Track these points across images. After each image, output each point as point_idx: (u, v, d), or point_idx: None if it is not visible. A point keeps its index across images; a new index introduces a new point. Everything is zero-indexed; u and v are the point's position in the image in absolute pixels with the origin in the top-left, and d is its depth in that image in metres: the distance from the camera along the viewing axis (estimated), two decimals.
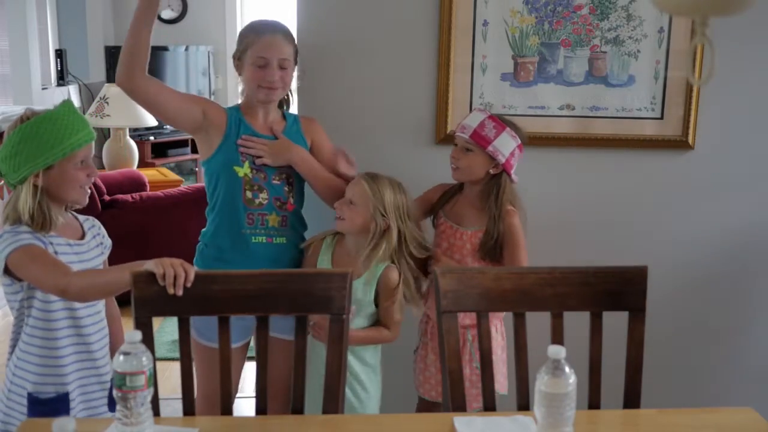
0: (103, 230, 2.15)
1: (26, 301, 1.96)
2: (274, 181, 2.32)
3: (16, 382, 1.97)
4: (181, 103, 2.28)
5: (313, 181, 2.35)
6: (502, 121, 2.32)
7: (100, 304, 2.05)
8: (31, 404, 1.95)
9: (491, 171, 2.31)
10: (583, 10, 2.59)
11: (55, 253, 1.94)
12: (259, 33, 2.29)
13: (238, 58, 2.32)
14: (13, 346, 2.01)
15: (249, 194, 2.30)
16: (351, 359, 2.23)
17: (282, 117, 2.41)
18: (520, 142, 2.33)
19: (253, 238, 2.31)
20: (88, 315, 2.01)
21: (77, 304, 1.98)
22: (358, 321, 2.27)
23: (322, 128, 2.44)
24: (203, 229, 2.40)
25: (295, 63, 2.36)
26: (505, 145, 2.30)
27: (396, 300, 2.24)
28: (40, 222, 1.92)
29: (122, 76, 2.15)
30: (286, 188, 2.35)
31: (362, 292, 2.24)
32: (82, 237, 2.06)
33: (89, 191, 2.04)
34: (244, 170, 2.28)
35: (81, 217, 2.11)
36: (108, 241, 2.15)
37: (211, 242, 2.36)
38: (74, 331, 1.99)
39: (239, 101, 2.41)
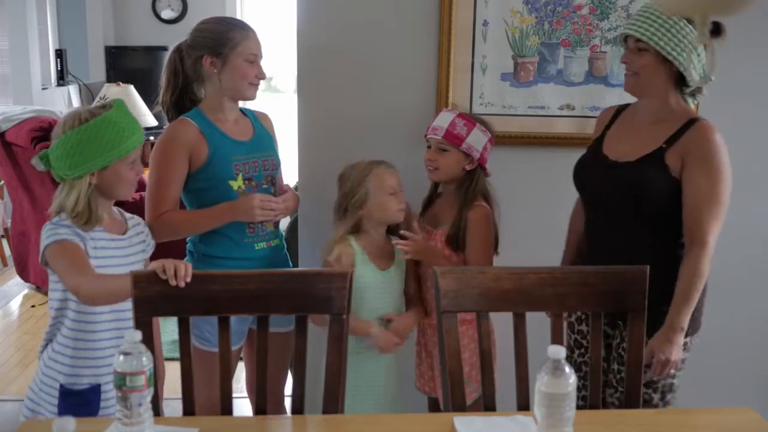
0: (147, 230, 2.19)
1: (69, 292, 1.98)
2: (264, 186, 2.34)
3: (48, 373, 2.02)
4: (182, 182, 2.28)
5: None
6: (471, 118, 2.37)
7: None
8: (63, 396, 1.99)
9: (467, 167, 2.35)
10: (583, 10, 2.59)
11: (95, 248, 1.99)
12: (245, 30, 2.29)
13: (219, 54, 2.24)
14: (49, 340, 2.05)
15: None
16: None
17: (244, 114, 2.40)
18: (490, 136, 2.38)
19: (255, 245, 2.33)
20: (125, 309, 2.01)
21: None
22: (391, 307, 2.33)
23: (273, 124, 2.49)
24: (189, 238, 2.38)
25: None
26: (478, 140, 2.34)
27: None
28: (85, 218, 1.98)
29: (159, 237, 2.24)
30: (272, 190, 2.37)
31: (399, 275, 2.33)
32: (125, 232, 2.10)
33: (136, 186, 2.11)
34: (238, 183, 2.27)
35: (127, 214, 2.17)
36: (152, 241, 2.19)
37: (205, 251, 2.33)
38: (115, 324, 2.02)
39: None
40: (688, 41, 2.02)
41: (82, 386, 2.00)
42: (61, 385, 2.00)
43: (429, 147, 2.39)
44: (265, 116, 2.47)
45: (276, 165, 2.38)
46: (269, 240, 2.36)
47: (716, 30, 2.05)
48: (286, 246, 2.50)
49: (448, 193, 2.41)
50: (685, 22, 2.03)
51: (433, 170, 2.37)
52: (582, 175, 2.24)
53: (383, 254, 2.32)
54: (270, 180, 2.36)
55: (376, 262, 2.30)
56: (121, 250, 2.06)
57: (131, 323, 2.01)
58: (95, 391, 2.01)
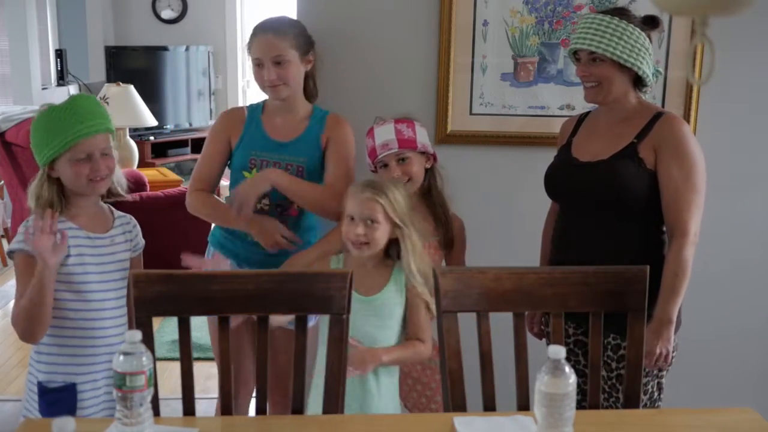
0: (138, 229, 2.17)
1: None
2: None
3: (31, 371, 2.03)
4: (221, 162, 2.39)
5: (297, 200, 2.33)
6: (405, 118, 2.32)
7: (121, 301, 2.06)
8: (41, 393, 1.99)
9: (426, 166, 2.33)
10: (583, 10, 2.59)
11: (68, 247, 1.97)
12: (254, 34, 2.32)
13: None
14: None
15: None
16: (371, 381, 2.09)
17: (310, 115, 2.37)
18: (421, 123, 2.35)
19: (249, 236, 2.34)
20: (99, 309, 2.02)
21: (88, 299, 2.00)
22: (390, 338, 2.09)
23: (347, 130, 2.36)
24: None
25: (305, 53, 2.33)
26: (424, 135, 2.32)
27: (423, 304, 2.08)
28: (59, 207, 1.98)
29: (191, 210, 2.37)
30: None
31: (396, 300, 2.08)
32: (108, 230, 2.08)
33: (102, 183, 2.01)
34: (251, 176, 2.31)
35: (118, 213, 2.14)
36: (141, 241, 2.17)
37: (223, 233, 2.44)
38: (82, 323, 2.00)
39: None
40: (640, 44, 2.05)
41: (57, 384, 1.99)
42: (39, 383, 1.99)
43: (384, 166, 2.28)
44: (337, 125, 2.36)
45: (303, 172, 2.33)
46: None
47: (653, 22, 2.08)
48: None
49: (414, 203, 2.22)
50: (633, 25, 2.06)
51: (405, 185, 2.25)
52: (556, 180, 2.24)
53: (368, 279, 2.07)
54: None
55: (359, 287, 1.99)
56: (99, 249, 2.04)
57: (101, 323, 2.02)
58: (70, 390, 1.99)
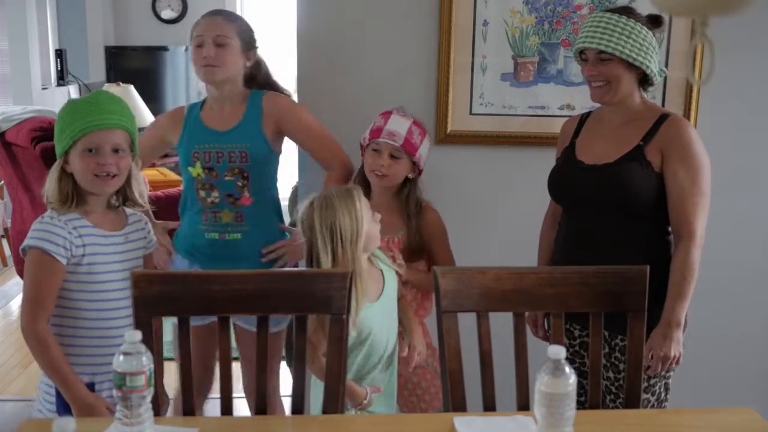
0: (150, 227, 2.16)
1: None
2: (227, 178, 2.33)
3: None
4: (152, 145, 2.46)
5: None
6: (422, 126, 2.34)
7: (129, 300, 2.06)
8: (59, 394, 1.97)
9: (410, 176, 2.33)
10: (583, 10, 2.59)
11: (84, 245, 1.94)
12: (201, 17, 2.35)
13: (190, 50, 2.36)
14: None
15: (202, 193, 2.35)
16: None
17: (246, 101, 2.38)
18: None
19: (206, 234, 2.37)
20: (116, 308, 2.01)
21: (104, 298, 1.99)
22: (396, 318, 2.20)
23: (290, 104, 2.44)
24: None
25: (248, 48, 2.36)
26: (425, 150, 2.34)
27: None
28: (68, 204, 1.96)
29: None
30: (239, 183, 2.34)
31: (395, 286, 2.19)
32: (122, 228, 2.06)
33: (111, 182, 1.97)
34: (196, 170, 2.34)
35: (129, 211, 2.11)
36: (153, 238, 2.17)
37: (181, 233, 2.47)
38: (99, 323, 1.99)
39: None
40: (648, 43, 2.05)
41: None
42: None
43: (376, 150, 2.31)
44: (277, 104, 2.40)
45: (247, 157, 2.32)
46: (224, 233, 2.36)
47: (656, 21, 2.07)
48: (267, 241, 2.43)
49: (385, 198, 2.34)
50: (641, 24, 2.05)
51: (381, 176, 2.29)
52: (561, 183, 2.24)
53: (371, 284, 2.08)
54: (238, 172, 2.33)
55: (368, 296, 2.05)
56: (115, 247, 2.02)
57: (118, 322, 2.00)
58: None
